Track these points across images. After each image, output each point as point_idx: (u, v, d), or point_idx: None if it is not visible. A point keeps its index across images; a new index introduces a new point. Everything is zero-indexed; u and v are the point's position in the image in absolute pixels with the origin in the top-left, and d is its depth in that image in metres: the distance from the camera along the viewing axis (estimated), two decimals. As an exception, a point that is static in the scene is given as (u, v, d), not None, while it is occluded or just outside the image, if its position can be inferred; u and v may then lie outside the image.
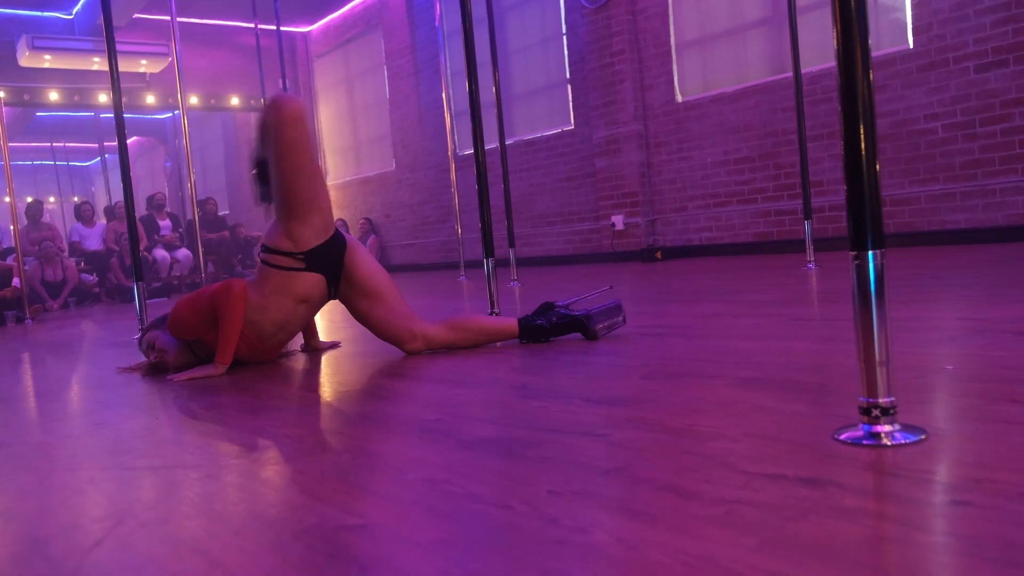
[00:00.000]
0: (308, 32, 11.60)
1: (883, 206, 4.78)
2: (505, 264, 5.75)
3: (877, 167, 1.10)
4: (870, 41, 1.08)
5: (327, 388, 1.99)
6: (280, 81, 9.30)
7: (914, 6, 5.30)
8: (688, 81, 6.85)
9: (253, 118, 12.14)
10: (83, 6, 9.69)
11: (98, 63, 9.57)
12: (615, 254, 7.32)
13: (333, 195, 11.03)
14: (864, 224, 1.10)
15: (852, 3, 1.09)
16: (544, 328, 2.31)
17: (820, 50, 5.77)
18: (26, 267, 7.22)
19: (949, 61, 5.16)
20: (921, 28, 5.27)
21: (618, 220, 7.22)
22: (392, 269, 10.40)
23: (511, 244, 5.57)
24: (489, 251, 2.95)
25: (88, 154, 16.49)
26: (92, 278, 9.08)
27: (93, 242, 9.43)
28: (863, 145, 1.08)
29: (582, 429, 1.29)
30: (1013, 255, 3.95)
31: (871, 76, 1.10)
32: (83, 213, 9.71)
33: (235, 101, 11.31)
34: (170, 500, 1.12)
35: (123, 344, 3.64)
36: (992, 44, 4.95)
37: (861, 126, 1.09)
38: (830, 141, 5.77)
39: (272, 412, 1.72)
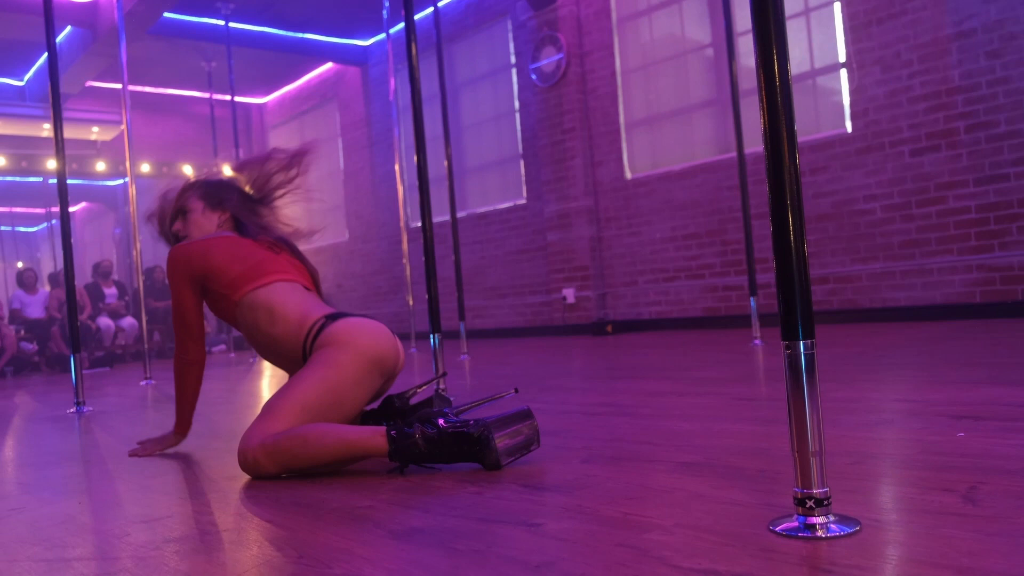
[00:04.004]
0: (264, 103, 11.67)
1: (827, 283, 4.81)
2: (456, 336, 5.72)
3: (807, 259, 1.11)
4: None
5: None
6: (234, 150, 9.30)
7: (851, 92, 5.55)
8: (637, 159, 7.02)
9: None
10: (35, 73, 9.63)
11: (47, 130, 9.48)
12: (566, 327, 7.34)
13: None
14: (795, 314, 1.10)
15: (778, 93, 1.12)
16: (418, 451, 1.64)
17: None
18: (-41, 335, 6.95)
19: (885, 145, 5.38)
20: (858, 113, 5.51)
21: (569, 293, 7.26)
22: (343, 339, 10.25)
23: (461, 317, 5.55)
24: (436, 327, 2.92)
25: (35, 220, 16.16)
26: (32, 347, 8.78)
27: (35, 310, 9.15)
28: (792, 238, 1.10)
29: (517, 519, 1.25)
30: (950, 333, 4.06)
31: (799, 173, 1.12)
32: (25, 280, 9.44)
33: (188, 169, 11.24)
34: (75, 601, 1.05)
35: (57, 419, 3.49)
36: (925, 130, 5.18)
37: (790, 215, 1.11)
38: (774, 219, 5.91)
39: (199, 497, 1.65)
